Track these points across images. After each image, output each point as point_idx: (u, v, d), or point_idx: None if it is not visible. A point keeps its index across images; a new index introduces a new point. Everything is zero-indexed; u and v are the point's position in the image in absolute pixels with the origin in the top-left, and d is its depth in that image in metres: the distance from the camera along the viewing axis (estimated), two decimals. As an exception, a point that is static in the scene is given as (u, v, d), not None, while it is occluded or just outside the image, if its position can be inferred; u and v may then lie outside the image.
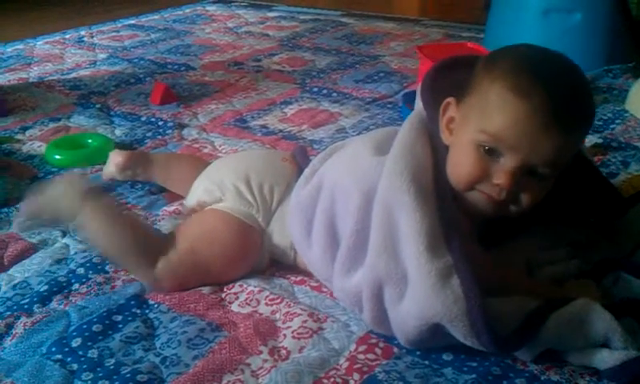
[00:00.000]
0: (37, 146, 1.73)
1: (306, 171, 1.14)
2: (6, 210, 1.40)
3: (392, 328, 0.97)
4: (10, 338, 1.02)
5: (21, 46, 2.71)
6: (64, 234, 1.30)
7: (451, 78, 1.04)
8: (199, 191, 1.21)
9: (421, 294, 0.90)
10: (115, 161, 1.48)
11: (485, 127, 0.92)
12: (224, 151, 1.66)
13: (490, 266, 1.00)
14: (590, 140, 1.62)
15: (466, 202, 0.98)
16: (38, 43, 2.75)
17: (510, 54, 0.97)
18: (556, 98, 0.89)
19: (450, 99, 1.00)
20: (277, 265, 1.17)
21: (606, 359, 0.89)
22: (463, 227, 0.96)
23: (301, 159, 1.21)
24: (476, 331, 0.88)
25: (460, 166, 0.96)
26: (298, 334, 1.01)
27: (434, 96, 1.02)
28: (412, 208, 0.92)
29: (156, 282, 1.12)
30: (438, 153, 0.99)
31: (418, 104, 1.04)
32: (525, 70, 0.91)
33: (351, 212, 1.00)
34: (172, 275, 1.12)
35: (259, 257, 1.16)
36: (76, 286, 1.15)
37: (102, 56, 2.55)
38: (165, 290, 1.12)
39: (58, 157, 1.63)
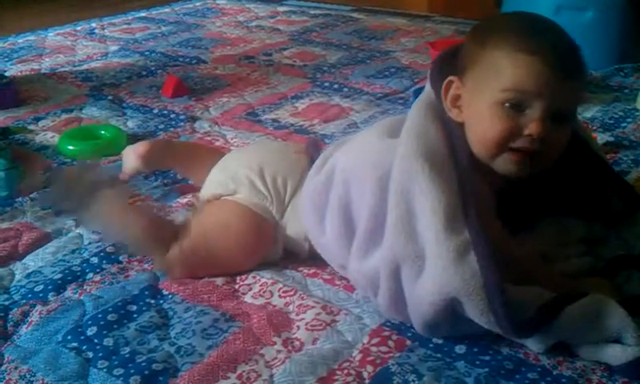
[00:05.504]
0: (50, 137, 1.75)
1: (318, 161, 1.15)
2: (20, 199, 1.41)
3: (408, 310, 0.97)
4: (25, 326, 1.03)
5: (32, 37, 2.72)
6: (78, 224, 1.31)
7: (455, 64, 1.05)
8: (213, 184, 1.22)
9: (439, 269, 0.91)
10: (138, 152, 1.39)
11: (505, 85, 0.95)
12: (236, 144, 1.67)
13: (510, 241, 1.02)
14: (602, 138, 1.63)
15: (489, 172, 1.00)
16: (50, 34, 2.76)
17: (502, 24, 1.02)
18: (558, 51, 0.95)
19: (453, 78, 1.02)
20: (290, 257, 1.18)
21: (618, 355, 0.90)
22: (484, 202, 0.97)
23: (313, 152, 1.22)
24: (493, 307, 0.88)
25: (487, 130, 0.97)
26: (312, 326, 1.01)
27: (442, 79, 1.03)
28: (427, 187, 0.93)
29: (168, 269, 1.13)
30: (450, 129, 1.00)
31: (427, 89, 1.06)
32: (524, 33, 0.96)
33: (367, 195, 1.01)
34: (184, 262, 1.13)
35: (272, 249, 1.17)
36: (90, 275, 1.16)
37: (114, 48, 2.56)
38: (177, 276, 1.13)
39: (71, 148, 1.64)
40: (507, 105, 0.95)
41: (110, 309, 1.06)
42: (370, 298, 1.04)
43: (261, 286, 1.11)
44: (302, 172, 1.18)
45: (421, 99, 1.05)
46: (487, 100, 0.97)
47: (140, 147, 1.40)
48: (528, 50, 0.94)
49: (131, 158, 1.40)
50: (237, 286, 1.12)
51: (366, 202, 1.01)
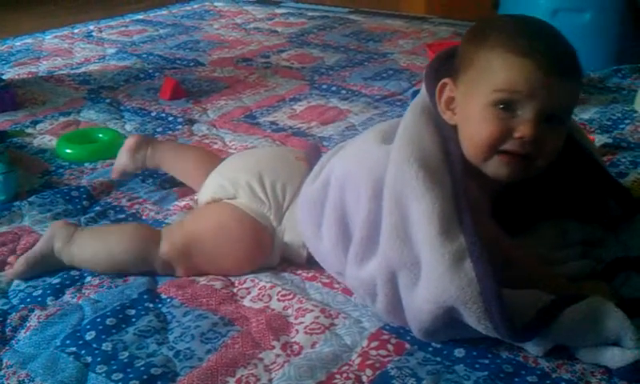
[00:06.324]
0: (47, 140, 1.74)
1: (315, 168, 1.15)
2: (17, 203, 1.41)
3: (406, 317, 0.97)
4: (24, 331, 1.03)
5: (30, 40, 2.72)
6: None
7: (450, 66, 1.05)
8: (212, 187, 1.22)
9: (435, 277, 0.90)
10: (126, 144, 1.44)
11: (496, 86, 0.95)
12: (234, 147, 1.67)
13: (507, 244, 1.02)
14: (600, 140, 1.63)
15: (483, 176, 0.99)
16: (47, 37, 2.76)
17: (496, 26, 1.01)
18: (552, 52, 0.95)
19: (446, 80, 1.01)
20: (288, 261, 1.18)
21: (617, 358, 0.90)
22: (479, 205, 0.97)
23: (313, 158, 1.22)
24: (490, 314, 0.88)
25: (477, 132, 0.97)
26: (310, 329, 1.01)
27: (437, 82, 1.03)
28: (422, 193, 0.93)
29: (162, 262, 1.14)
30: (444, 133, 1.00)
31: (422, 92, 1.06)
32: (518, 35, 0.96)
33: (362, 202, 1.01)
34: (177, 257, 1.14)
35: (269, 255, 1.16)
36: (88, 279, 1.16)
37: (111, 51, 2.56)
38: (171, 264, 1.14)
39: (68, 151, 1.64)
40: (499, 106, 0.95)
41: (109, 313, 1.06)
42: (368, 304, 1.04)
43: (259, 289, 1.11)
44: (301, 178, 1.17)
45: (416, 102, 1.05)
46: (479, 101, 0.96)
47: (129, 139, 1.45)
48: (520, 52, 0.94)
49: (121, 153, 1.45)
50: (235, 290, 1.12)
51: (362, 208, 1.01)
